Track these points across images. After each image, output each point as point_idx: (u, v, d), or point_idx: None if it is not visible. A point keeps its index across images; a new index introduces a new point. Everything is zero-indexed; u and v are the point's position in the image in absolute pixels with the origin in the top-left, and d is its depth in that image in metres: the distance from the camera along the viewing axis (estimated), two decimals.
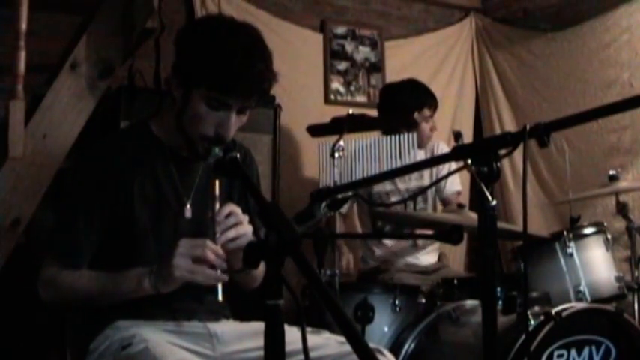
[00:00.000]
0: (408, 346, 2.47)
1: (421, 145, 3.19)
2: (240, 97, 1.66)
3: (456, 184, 3.40)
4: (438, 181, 3.25)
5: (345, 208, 3.33)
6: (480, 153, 1.39)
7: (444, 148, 3.41)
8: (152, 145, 1.80)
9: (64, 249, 1.72)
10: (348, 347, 1.08)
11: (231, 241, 1.63)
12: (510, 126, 4.35)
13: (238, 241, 1.64)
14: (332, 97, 4.11)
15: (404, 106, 3.25)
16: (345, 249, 3.82)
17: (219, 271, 1.59)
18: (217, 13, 3.43)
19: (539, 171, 4.14)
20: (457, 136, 2.71)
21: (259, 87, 1.67)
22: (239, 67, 1.62)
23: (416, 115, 3.24)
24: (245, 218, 1.66)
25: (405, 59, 4.35)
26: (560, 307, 2.26)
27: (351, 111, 2.87)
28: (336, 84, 4.15)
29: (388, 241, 3.30)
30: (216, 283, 1.59)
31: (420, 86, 3.33)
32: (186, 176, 1.81)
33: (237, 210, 1.67)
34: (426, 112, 3.29)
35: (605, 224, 2.91)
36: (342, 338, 1.66)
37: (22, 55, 2.41)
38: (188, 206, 1.79)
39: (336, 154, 2.70)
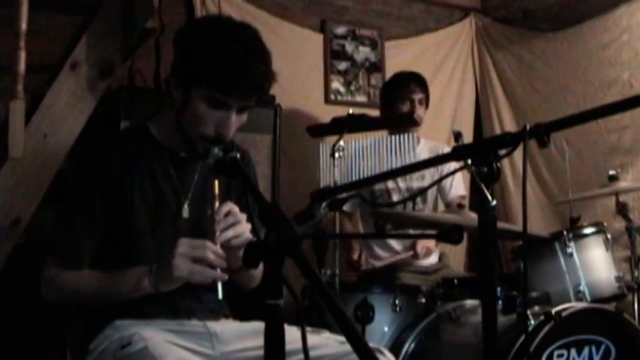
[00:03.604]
0: (408, 346, 2.47)
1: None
2: (240, 96, 1.67)
3: (461, 188, 3.39)
4: (438, 180, 3.24)
5: (346, 207, 3.32)
6: (480, 153, 1.39)
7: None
8: (150, 145, 1.80)
9: (65, 250, 1.73)
10: (347, 347, 1.08)
11: (230, 239, 1.64)
12: (510, 126, 4.34)
13: (238, 239, 1.65)
14: (332, 97, 4.11)
15: (392, 100, 3.28)
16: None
17: (218, 270, 1.60)
18: (215, 14, 3.43)
19: (539, 171, 4.13)
20: (457, 136, 2.70)
21: (259, 87, 1.68)
22: (240, 67, 1.63)
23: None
24: (243, 217, 1.67)
25: (405, 59, 4.34)
26: (560, 307, 2.26)
27: (351, 111, 2.87)
28: (336, 84, 4.14)
29: (389, 243, 3.30)
30: (215, 282, 1.60)
31: (401, 75, 3.36)
32: (184, 176, 1.81)
33: (236, 208, 1.68)
34: (411, 94, 3.29)
35: (605, 224, 2.91)
36: (342, 338, 1.66)
37: (22, 55, 2.41)
38: (186, 206, 1.80)
39: (336, 154, 2.70)
